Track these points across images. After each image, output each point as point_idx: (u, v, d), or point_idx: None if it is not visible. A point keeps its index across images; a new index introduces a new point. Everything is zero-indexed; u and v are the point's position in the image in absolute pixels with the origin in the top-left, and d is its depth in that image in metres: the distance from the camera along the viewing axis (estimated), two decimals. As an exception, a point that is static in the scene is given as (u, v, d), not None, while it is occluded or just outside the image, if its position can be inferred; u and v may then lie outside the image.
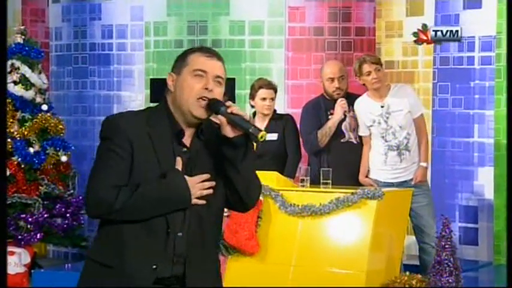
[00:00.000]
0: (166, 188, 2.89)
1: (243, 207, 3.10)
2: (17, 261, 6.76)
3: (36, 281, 6.73)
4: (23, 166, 6.90)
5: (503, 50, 6.89)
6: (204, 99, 2.95)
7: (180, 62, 3.02)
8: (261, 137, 2.89)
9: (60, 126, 7.13)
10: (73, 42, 8.34)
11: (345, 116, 6.40)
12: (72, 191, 7.14)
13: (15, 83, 7.00)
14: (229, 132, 2.92)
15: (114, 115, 3.04)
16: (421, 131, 6.31)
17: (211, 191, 2.96)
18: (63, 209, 7.00)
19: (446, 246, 5.35)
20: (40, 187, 6.95)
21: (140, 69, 8.03)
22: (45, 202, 6.96)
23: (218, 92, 2.98)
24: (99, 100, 8.24)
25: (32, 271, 6.83)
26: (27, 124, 7.00)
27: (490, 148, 7.13)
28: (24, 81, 7.02)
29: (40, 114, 7.05)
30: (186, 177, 2.92)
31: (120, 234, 2.93)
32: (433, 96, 7.39)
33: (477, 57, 7.18)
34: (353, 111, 6.41)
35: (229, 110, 2.92)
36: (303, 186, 5.99)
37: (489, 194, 7.12)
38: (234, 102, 7.36)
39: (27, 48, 7.10)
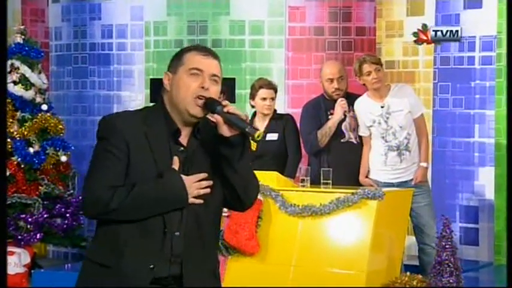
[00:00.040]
0: (162, 187, 2.89)
1: (241, 206, 3.09)
2: (17, 261, 6.75)
3: (36, 281, 6.72)
4: (22, 166, 6.89)
5: (504, 49, 6.88)
6: (201, 98, 2.94)
7: (176, 61, 3.02)
8: (258, 136, 2.88)
9: (60, 126, 7.12)
10: (73, 42, 8.34)
11: (345, 116, 6.39)
12: (72, 191, 7.14)
13: (15, 83, 7.00)
14: (225, 131, 2.92)
15: (110, 115, 3.04)
16: (421, 131, 6.30)
17: (208, 190, 2.95)
18: (63, 209, 6.99)
19: (447, 246, 5.34)
20: (40, 187, 6.95)
21: (140, 69, 8.02)
22: (45, 202, 6.96)
23: (214, 91, 2.98)
24: (99, 100, 8.24)
25: (32, 271, 6.83)
26: (27, 124, 6.99)
27: (491, 148, 7.12)
28: (24, 81, 7.02)
29: (40, 114, 7.04)
30: (182, 176, 2.92)
31: (117, 234, 2.92)
32: (434, 96, 7.38)
33: (478, 57, 7.17)
34: (353, 111, 6.40)
35: (225, 109, 2.91)
36: (303, 186, 5.98)
37: (490, 194, 7.11)
38: (234, 102, 7.37)
39: (27, 48, 7.09)
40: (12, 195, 6.76)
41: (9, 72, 6.94)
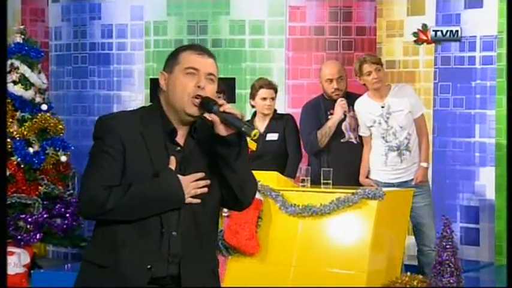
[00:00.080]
0: (158, 187, 2.89)
1: (238, 205, 3.08)
2: (17, 261, 6.74)
3: (35, 282, 6.72)
4: (22, 166, 6.88)
5: (505, 49, 6.87)
6: (198, 98, 2.94)
7: (172, 60, 3.02)
8: (254, 135, 2.88)
9: (60, 126, 7.11)
10: (73, 41, 8.33)
11: (345, 116, 6.38)
12: (71, 191, 7.13)
13: (14, 82, 6.99)
14: (222, 130, 2.91)
15: (106, 115, 3.04)
16: (421, 131, 6.29)
17: (205, 189, 2.94)
18: (62, 209, 6.99)
19: (448, 246, 5.33)
20: (40, 187, 6.94)
21: (140, 68, 8.02)
22: (45, 202, 6.95)
23: (211, 90, 2.97)
24: (99, 100, 8.23)
25: (32, 271, 6.82)
26: (26, 124, 6.98)
27: (491, 148, 7.11)
28: (24, 81, 7.01)
29: (40, 114, 7.03)
30: (179, 176, 2.91)
31: (114, 234, 2.92)
32: (434, 96, 7.38)
33: (478, 56, 7.17)
34: (353, 111, 6.39)
35: (221, 109, 2.91)
36: (303, 186, 5.97)
37: (490, 194, 7.11)
38: (234, 102, 7.36)
39: (26, 48, 7.08)
40: (12, 195, 6.75)
41: (9, 72, 6.94)
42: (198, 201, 2.93)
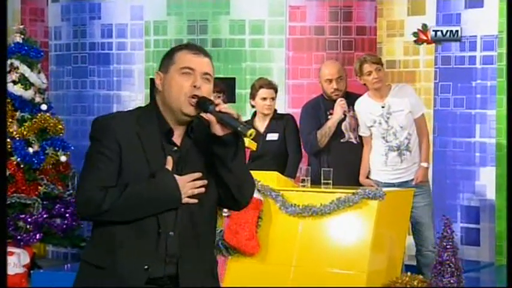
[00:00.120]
0: (155, 187, 2.88)
1: (236, 205, 3.08)
2: (16, 261, 6.74)
3: (35, 282, 6.72)
4: (22, 166, 6.88)
5: (505, 49, 6.86)
6: (194, 97, 2.93)
7: (167, 60, 3.01)
8: (250, 135, 2.88)
9: (60, 126, 7.11)
10: (72, 41, 8.33)
11: (345, 116, 6.37)
12: (71, 191, 7.11)
13: (14, 82, 6.98)
14: (218, 130, 2.90)
15: (103, 116, 3.04)
16: (422, 131, 6.28)
17: (203, 189, 2.94)
18: (62, 209, 6.98)
19: (448, 246, 5.33)
20: (39, 187, 6.93)
21: (140, 68, 8.01)
22: (45, 202, 6.94)
23: (207, 89, 2.96)
24: (98, 100, 8.23)
25: (31, 272, 6.82)
26: (26, 124, 6.98)
27: (492, 148, 7.10)
28: (24, 81, 7.00)
29: (39, 114, 7.02)
30: (176, 176, 2.91)
31: (112, 235, 2.92)
32: (435, 96, 7.37)
33: (479, 56, 7.16)
34: (353, 111, 6.38)
35: (217, 108, 2.90)
36: (303, 186, 5.96)
37: (491, 194, 7.10)
38: (234, 102, 7.36)
39: (26, 48, 7.07)
40: (12, 195, 6.75)
41: (9, 72, 6.93)
42: (195, 201, 2.93)
